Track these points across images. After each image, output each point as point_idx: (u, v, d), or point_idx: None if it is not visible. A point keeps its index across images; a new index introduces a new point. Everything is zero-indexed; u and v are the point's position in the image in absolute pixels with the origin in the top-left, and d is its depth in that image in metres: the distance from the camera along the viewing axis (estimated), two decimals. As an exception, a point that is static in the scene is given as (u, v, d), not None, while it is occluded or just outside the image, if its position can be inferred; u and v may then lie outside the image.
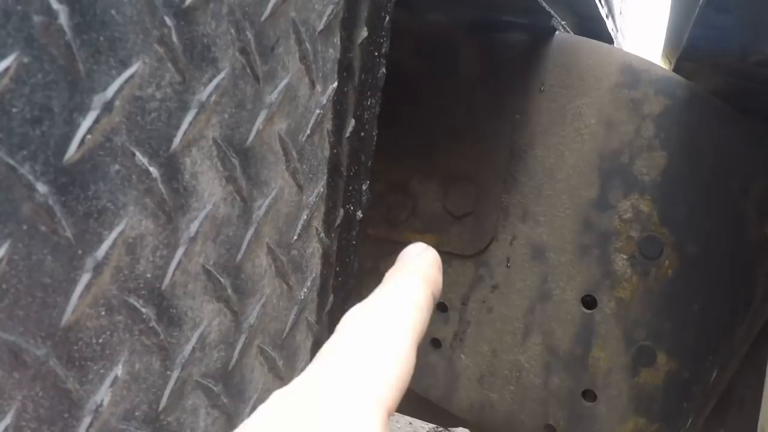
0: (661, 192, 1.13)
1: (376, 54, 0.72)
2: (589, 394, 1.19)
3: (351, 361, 0.31)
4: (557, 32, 1.22)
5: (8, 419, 0.39)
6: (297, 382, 0.30)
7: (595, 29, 2.27)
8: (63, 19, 0.37)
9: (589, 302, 1.18)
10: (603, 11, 2.02)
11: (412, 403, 1.37)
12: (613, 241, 1.16)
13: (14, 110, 0.36)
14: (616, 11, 2.34)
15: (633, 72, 1.16)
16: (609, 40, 2.48)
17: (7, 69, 0.35)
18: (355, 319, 0.34)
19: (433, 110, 1.25)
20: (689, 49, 1.27)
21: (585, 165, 1.17)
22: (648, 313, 1.15)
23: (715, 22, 1.13)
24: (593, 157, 1.17)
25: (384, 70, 0.75)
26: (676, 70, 1.43)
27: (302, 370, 0.71)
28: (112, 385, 0.45)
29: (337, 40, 0.64)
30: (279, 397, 0.29)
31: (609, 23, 2.30)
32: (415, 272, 0.38)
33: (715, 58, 1.26)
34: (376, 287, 0.37)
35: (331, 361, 0.31)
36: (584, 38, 1.24)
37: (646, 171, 1.14)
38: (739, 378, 1.18)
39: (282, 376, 0.66)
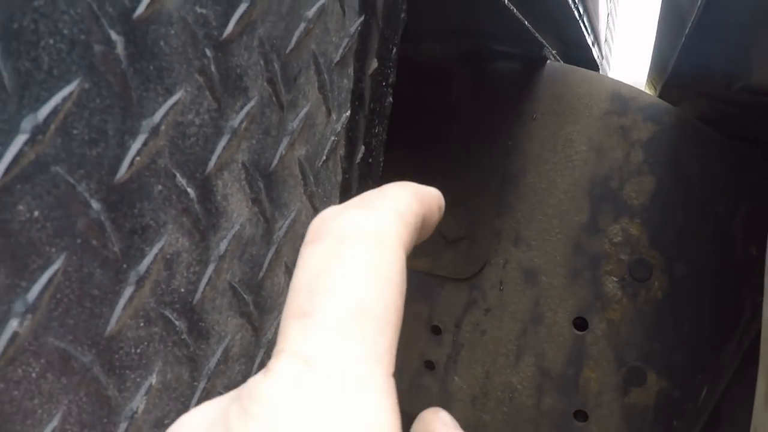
0: (650, 215, 1.17)
1: (384, 84, 0.76)
2: (580, 415, 1.22)
3: (337, 325, 0.25)
4: (548, 61, 1.26)
5: (55, 422, 0.42)
6: (278, 368, 0.25)
7: (581, 56, 2.33)
8: (120, 48, 0.40)
9: (580, 324, 1.22)
10: (589, 39, 2.07)
11: (404, 424, 1.39)
12: (604, 264, 1.20)
13: (75, 132, 0.39)
14: (602, 39, 2.41)
15: (622, 99, 1.21)
16: (595, 66, 2.54)
17: (71, 93, 0.38)
18: (328, 235, 0.28)
19: (427, 136, 1.29)
20: (675, 75, 1.31)
21: (576, 190, 1.21)
22: (638, 334, 1.18)
23: (701, 49, 1.17)
24: (584, 183, 1.21)
25: (391, 99, 0.78)
26: (661, 96, 1.47)
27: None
28: (146, 393, 0.48)
29: (350, 70, 0.68)
30: (261, 386, 0.25)
31: (595, 51, 2.36)
32: (409, 186, 0.31)
33: (701, 84, 1.30)
34: None
35: (314, 333, 0.25)
36: (575, 67, 1.28)
37: (636, 195, 1.18)
38: (728, 394, 1.21)
39: (295, 391, 0.69)
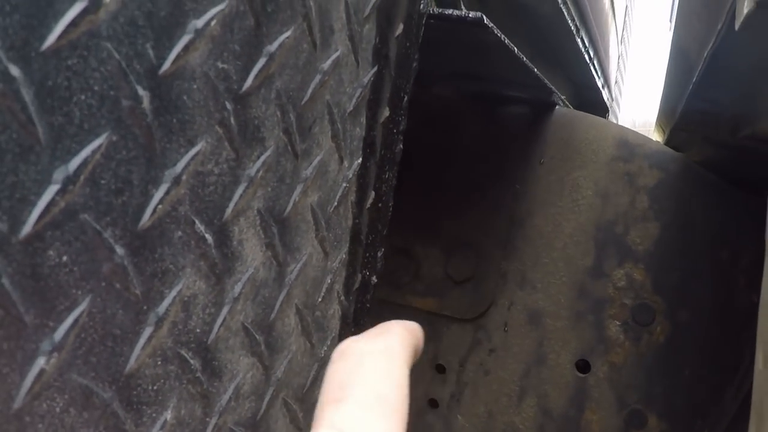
0: (654, 261, 1.19)
1: (395, 131, 0.79)
2: (582, 456, 1.24)
3: (364, 407, 0.33)
4: (557, 107, 1.29)
5: (76, 457, 0.44)
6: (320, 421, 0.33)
7: (592, 98, 2.36)
8: (146, 103, 0.43)
9: (582, 366, 1.23)
10: (599, 81, 2.10)
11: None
12: (607, 308, 1.22)
13: (102, 182, 0.41)
14: (612, 81, 2.44)
15: (628, 146, 1.23)
16: (604, 108, 2.57)
17: (100, 146, 0.40)
18: (351, 356, 0.36)
19: (436, 179, 1.32)
20: (683, 120, 1.34)
21: (581, 234, 1.23)
22: (640, 378, 1.20)
23: (708, 96, 1.20)
24: (589, 227, 1.23)
25: (401, 146, 0.81)
26: (669, 139, 1.50)
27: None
28: (162, 428, 0.50)
29: (363, 119, 0.71)
30: None
31: (605, 93, 2.39)
32: (398, 323, 0.40)
33: (707, 130, 1.33)
34: None
35: (346, 411, 0.33)
36: (582, 113, 1.31)
37: (640, 241, 1.21)
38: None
39: (301, 427, 0.71)
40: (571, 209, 1.24)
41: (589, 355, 1.22)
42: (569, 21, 1.64)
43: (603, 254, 1.22)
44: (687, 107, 1.27)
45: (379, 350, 0.36)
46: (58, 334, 0.40)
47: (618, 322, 1.21)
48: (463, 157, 1.31)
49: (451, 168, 1.31)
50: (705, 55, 1.05)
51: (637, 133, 1.28)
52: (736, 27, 0.81)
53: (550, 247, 1.25)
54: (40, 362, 0.40)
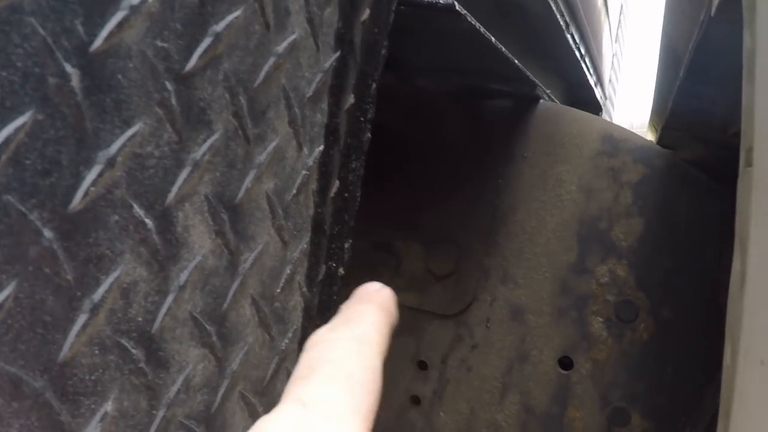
0: (638, 257, 1.18)
1: (362, 119, 0.77)
2: (565, 455, 1.22)
3: (330, 382, 0.33)
4: (541, 101, 1.28)
5: (4, 446, 0.42)
6: (282, 409, 0.32)
7: (584, 96, 2.34)
8: (75, 81, 0.41)
9: (565, 363, 1.22)
10: (592, 80, 2.09)
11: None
12: (590, 305, 1.20)
13: (27, 162, 0.40)
14: (606, 80, 2.43)
15: (613, 141, 1.22)
16: (597, 106, 2.55)
17: (23, 125, 0.39)
18: (322, 342, 0.36)
19: (418, 173, 1.30)
20: (673, 118, 1.32)
21: (564, 230, 1.22)
22: (623, 375, 1.18)
23: (696, 93, 1.18)
24: (573, 223, 1.21)
25: (369, 134, 0.79)
26: (661, 138, 1.48)
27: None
28: (101, 420, 0.48)
29: (324, 105, 0.69)
30: (265, 423, 0.32)
31: (597, 91, 2.38)
32: (372, 301, 0.40)
33: (697, 128, 1.31)
34: None
35: (312, 385, 0.33)
36: (567, 107, 1.29)
37: (624, 237, 1.19)
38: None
39: (262, 423, 0.69)
40: (555, 204, 1.23)
41: (572, 351, 1.20)
42: (558, 16, 1.63)
43: (586, 250, 1.20)
44: (676, 104, 1.26)
45: (351, 336, 0.36)
46: (-22, 319, 0.39)
47: (601, 319, 1.19)
48: (445, 151, 1.29)
49: (433, 162, 1.30)
50: (690, 47, 1.03)
51: (622, 128, 1.26)
52: (712, 12, 0.80)
53: (532, 242, 1.23)
54: (-42, 348, 0.38)
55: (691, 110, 1.28)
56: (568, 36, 1.78)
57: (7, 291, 0.40)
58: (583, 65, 2.04)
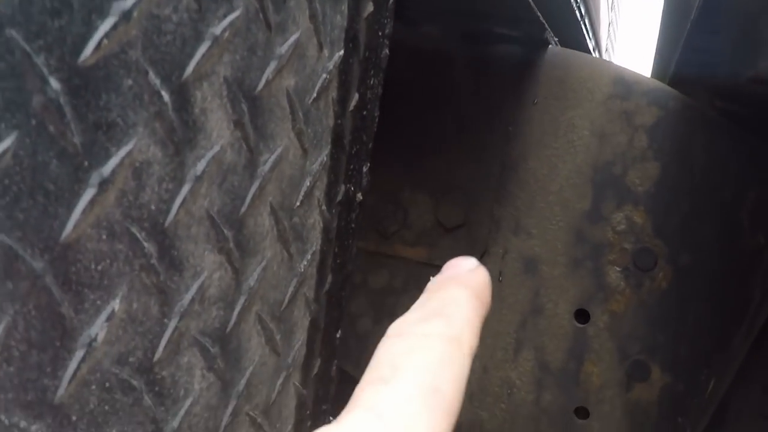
0: (655, 203, 1.13)
1: (380, 33, 0.72)
2: (581, 411, 1.17)
3: (414, 394, 0.28)
4: (550, 45, 1.23)
5: (-2, 332, 0.36)
6: (352, 417, 0.28)
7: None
8: None
9: (581, 316, 1.17)
10: (591, 43, 2.04)
11: None
12: (607, 254, 1.15)
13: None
14: (603, 47, 2.38)
15: (625, 84, 1.17)
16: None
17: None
18: (411, 336, 0.32)
19: (425, 121, 1.25)
20: (677, 74, 1.28)
21: (578, 177, 1.17)
22: (642, 327, 1.13)
23: (704, 44, 1.14)
24: (586, 169, 1.16)
25: (387, 51, 0.74)
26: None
27: (299, 349, 0.68)
28: (108, 319, 0.43)
29: (344, 7, 0.64)
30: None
31: (595, 56, 2.34)
32: (468, 287, 0.35)
33: (704, 81, 1.27)
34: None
35: (392, 394, 0.29)
36: (576, 51, 1.24)
37: (639, 182, 1.14)
38: (735, 389, 1.16)
39: (279, 351, 0.63)
40: (567, 150, 1.17)
41: (588, 304, 1.15)
42: (561, -29, 1.58)
43: (601, 197, 1.15)
44: (681, 58, 1.21)
45: (445, 336, 0.31)
46: (-27, 173, 0.33)
47: (618, 268, 1.14)
48: (453, 99, 1.24)
49: (440, 110, 1.24)
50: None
51: (633, 71, 1.21)
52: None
53: (544, 190, 1.18)
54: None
55: (698, 63, 1.24)
56: (570, -7, 1.74)
57: (6, 143, 0.34)
58: (583, 27, 2.00)
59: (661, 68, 1.77)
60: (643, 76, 1.21)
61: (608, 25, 2.50)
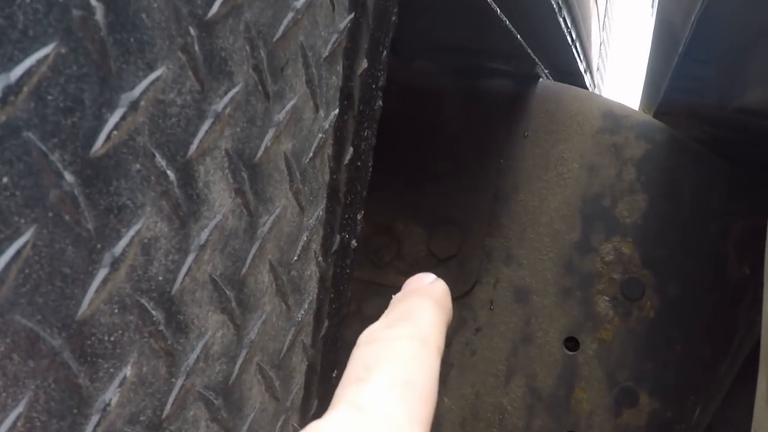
0: (643, 234, 1.16)
1: (374, 86, 0.75)
2: (571, 437, 1.20)
3: (389, 387, 0.32)
4: (541, 79, 1.26)
5: (21, 408, 0.39)
6: (336, 413, 0.31)
7: (574, 83, 2.33)
8: (99, 15, 0.38)
9: (571, 344, 1.20)
10: (582, 66, 2.07)
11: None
12: (596, 283, 1.18)
13: (49, 98, 0.37)
14: (594, 67, 2.41)
15: (614, 117, 1.20)
16: (585, 97, 2.53)
17: (46, 57, 0.36)
18: (381, 340, 0.35)
19: (418, 154, 1.28)
20: (667, 101, 1.31)
21: (568, 208, 1.20)
22: (630, 354, 1.16)
23: (694, 73, 1.17)
24: (576, 201, 1.20)
25: (380, 103, 0.77)
26: (652, 123, 1.46)
27: (297, 393, 0.71)
28: (120, 385, 0.46)
29: (339, 68, 0.66)
30: (318, 427, 0.30)
31: (587, 78, 2.36)
32: (429, 296, 0.38)
33: (693, 108, 1.30)
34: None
35: (369, 388, 0.32)
36: (567, 85, 1.28)
37: (628, 214, 1.17)
38: (721, 415, 1.19)
39: (278, 397, 0.66)
40: (557, 183, 1.21)
41: (578, 332, 1.19)
42: (551, -1, 1.61)
43: (590, 228, 1.19)
44: (671, 86, 1.24)
45: (412, 336, 0.35)
46: (-2, 266, 0.36)
47: (607, 298, 1.17)
48: (446, 133, 1.27)
49: (434, 143, 1.28)
50: (692, 21, 1.02)
51: (622, 104, 1.24)
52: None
53: (535, 222, 1.22)
54: (-23, 297, 0.35)
55: (687, 91, 1.27)
56: (560, 19, 1.76)
57: (26, 236, 0.37)
58: (574, 50, 2.02)
59: (650, 94, 1.80)
60: (632, 110, 1.24)
61: (599, 44, 2.53)
